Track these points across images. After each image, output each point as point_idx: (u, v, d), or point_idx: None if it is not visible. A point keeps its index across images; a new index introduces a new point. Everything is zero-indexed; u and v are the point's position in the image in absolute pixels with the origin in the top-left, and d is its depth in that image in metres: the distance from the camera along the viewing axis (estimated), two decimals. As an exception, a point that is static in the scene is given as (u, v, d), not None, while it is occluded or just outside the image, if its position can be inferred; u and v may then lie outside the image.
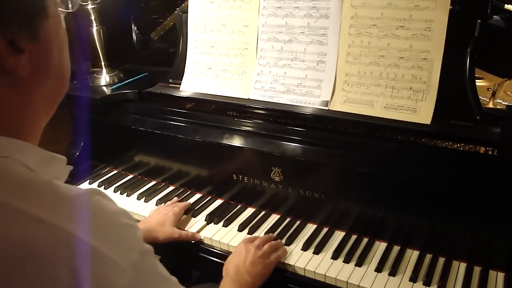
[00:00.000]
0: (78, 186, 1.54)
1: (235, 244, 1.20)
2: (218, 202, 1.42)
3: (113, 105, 1.57)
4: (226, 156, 1.36)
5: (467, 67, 1.10)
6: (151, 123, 1.49)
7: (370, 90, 1.20)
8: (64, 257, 0.53)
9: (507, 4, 1.39)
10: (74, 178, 1.57)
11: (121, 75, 1.70)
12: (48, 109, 0.68)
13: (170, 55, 1.61)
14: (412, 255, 1.14)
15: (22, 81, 0.60)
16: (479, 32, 1.09)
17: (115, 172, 1.64)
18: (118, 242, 0.58)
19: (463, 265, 1.10)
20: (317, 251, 1.17)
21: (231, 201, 1.41)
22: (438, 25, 1.10)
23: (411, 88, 1.15)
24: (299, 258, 1.15)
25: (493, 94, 1.29)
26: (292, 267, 1.14)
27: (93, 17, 1.62)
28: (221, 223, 1.31)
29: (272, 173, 1.28)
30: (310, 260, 1.14)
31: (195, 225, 1.32)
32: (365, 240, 1.20)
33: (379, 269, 1.09)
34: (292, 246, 1.20)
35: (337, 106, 1.23)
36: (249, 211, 1.36)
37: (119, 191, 1.51)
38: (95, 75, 1.69)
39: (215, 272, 1.14)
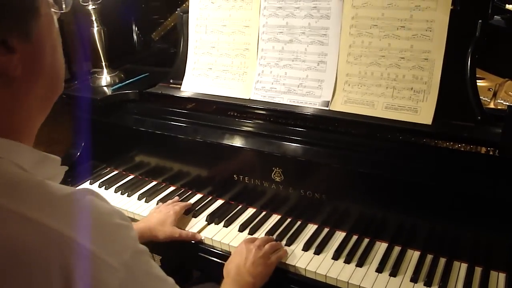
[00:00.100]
0: (79, 186, 1.55)
1: (236, 245, 1.20)
2: (219, 202, 1.42)
3: (114, 106, 1.57)
4: (227, 156, 1.36)
5: (468, 68, 1.10)
6: (151, 123, 1.49)
7: (371, 91, 1.19)
8: (56, 257, 0.53)
9: (508, 4, 1.39)
10: (75, 179, 1.58)
11: (122, 75, 1.70)
12: (42, 110, 0.68)
13: (171, 56, 1.61)
14: (413, 255, 1.14)
15: (15, 81, 0.60)
16: (480, 32, 1.08)
17: (115, 172, 1.64)
18: (110, 242, 0.58)
19: (464, 266, 1.09)
20: (318, 252, 1.17)
21: (232, 202, 1.41)
22: (439, 25, 1.10)
23: (412, 88, 1.14)
24: (300, 258, 1.15)
25: (494, 94, 1.29)
26: (293, 267, 1.13)
27: (94, 18, 1.62)
28: (222, 223, 1.31)
29: (273, 174, 1.28)
30: (311, 260, 1.14)
31: (196, 225, 1.32)
32: (366, 240, 1.20)
33: (380, 269, 1.09)
34: (293, 247, 1.20)
35: (338, 106, 1.23)
36: (250, 211, 1.36)
37: (120, 192, 1.51)
38: (96, 75, 1.69)
39: (215, 273, 1.14)
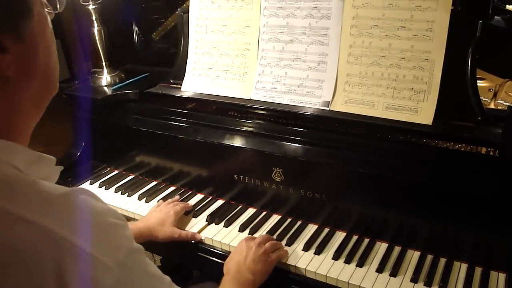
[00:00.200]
0: (79, 186, 1.55)
1: (236, 245, 1.20)
2: (219, 202, 1.42)
3: (114, 106, 1.57)
4: (227, 156, 1.36)
5: (469, 68, 1.10)
6: (152, 123, 1.49)
7: (372, 91, 1.19)
8: (50, 256, 0.53)
9: (509, 4, 1.39)
10: (75, 179, 1.58)
11: (122, 75, 1.70)
12: (37, 110, 0.68)
13: (171, 56, 1.61)
14: (413, 255, 1.14)
15: (9, 81, 0.60)
16: (480, 32, 1.08)
17: (116, 172, 1.64)
18: (105, 241, 0.58)
19: (464, 266, 1.09)
20: (318, 252, 1.17)
21: (232, 202, 1.41)
22: (439, 26, 1.10)
23: (412, 88, 1.14)
24: (300, 258, 1.15)
25: (495, 95, 1.29)
26: (293, 267, 1.13)
27: (94, 18, 1.62)
28: (222, 223, 1.31)
29: (273, 174, 1.28)
30: (311, 260, 1.14)
31: (196, 225, 1.32)
32: (366, 240, 1.20)
33: (380, 269, 1.09)
34: (293, 247, 1.20)
35: (338, 106, 1.23)
36: (250, 211, 1.36)
37: (120, 192, 1.51)
38: (96, 75, 1.69)
39: (216, 273, 1.14)
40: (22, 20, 0.60)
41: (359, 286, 1.05)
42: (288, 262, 1.14)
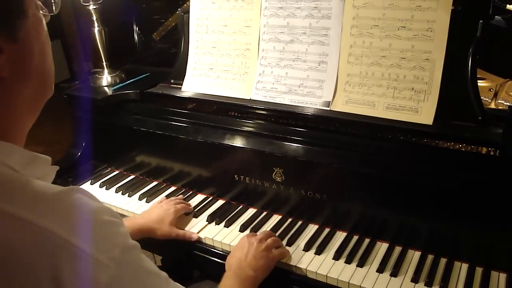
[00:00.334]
0: (79, 187, 1.55)
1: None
2: (220, 202, 1.42)
3: (115, 106, 1.57)
4: (228, 156, 1.36)
5: (469, 68, 1.10)
6: (152, 123, 1.49)
7: (372, 91, 1.19)
8: (46, 255, 0.54)
9: (509, 4, 1.39)
10: (75, 179, 1.58)
11: (123, 75, 1.70)
12: (31, 111, 0.68)
13: (172, 56, 1.61)
14: (414, 255, 1.14)
15: (3, 82, 0.60)
16: (481, 32, 1.08)
17: (116, 172, 1.64)
18: (99, 239, 0.59)
19: (465, 266, 1.09)
20: (318, 252, 1.17)
21: (233, 202, 1.41)
22: (440, 26, 1.10)
23: (413, 88, 1.14)
24: (300, 258, 1.15)
25: (495, 95, 1.30)
26: (294, 267, 1.13)
27: (94, 18, 1.62)
28: (223, 223, 1.31)
29: (273, 174, 1.28)
30: (311, 260, 1.14)
31: (196, 225, 1.32)
32: (367, 240, 1.20)
33: (381, 269, 1.09)
34: (293, 247, 1.20)
35: (339, 106, 1.23)
36: (251, 211, 1.36)
37: (121, 192, 1.51)
38: (96, 75, 1.69)
39: (216, 273, 1.14)
40: (17, 21, 0.60)
41: (360, 286, 1.05)
42: (288, 262, 1.14)
